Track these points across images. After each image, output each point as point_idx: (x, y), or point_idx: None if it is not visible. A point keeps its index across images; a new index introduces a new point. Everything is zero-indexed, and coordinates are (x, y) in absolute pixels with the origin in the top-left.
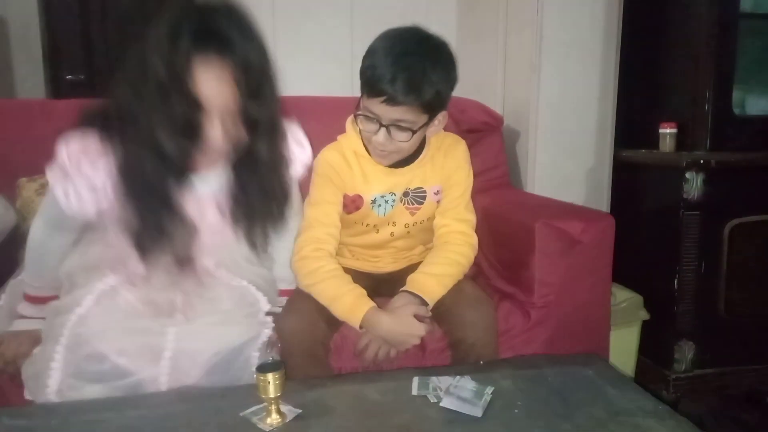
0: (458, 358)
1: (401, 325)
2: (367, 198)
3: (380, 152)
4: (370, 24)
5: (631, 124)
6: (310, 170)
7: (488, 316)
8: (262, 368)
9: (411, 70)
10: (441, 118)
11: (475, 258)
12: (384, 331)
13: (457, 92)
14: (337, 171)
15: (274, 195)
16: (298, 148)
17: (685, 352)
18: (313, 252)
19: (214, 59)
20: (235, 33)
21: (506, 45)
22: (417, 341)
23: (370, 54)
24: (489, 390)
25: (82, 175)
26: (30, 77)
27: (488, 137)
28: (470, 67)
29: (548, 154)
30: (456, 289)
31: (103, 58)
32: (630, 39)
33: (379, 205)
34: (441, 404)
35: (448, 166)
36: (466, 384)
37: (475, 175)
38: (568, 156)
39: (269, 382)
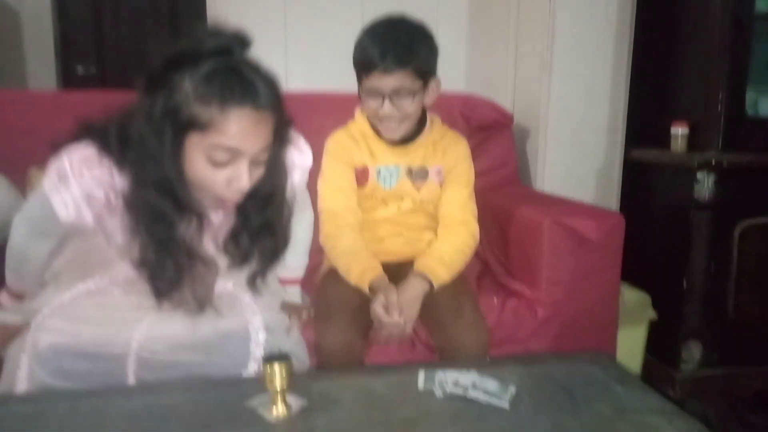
0: None
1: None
2: (373, 169)
3: (389, 126)
4: None
5: (643, 123)
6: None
7: (482, 342)
8: (269, 359)
9: (398, 41)
10: (434, 86)
11: (483, 255)
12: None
13: (468, 89)
14: (344, 147)
15: (275, 235)
16: (298, 154)
17: (693, 353)
18: (333, 228)
19: (248, 109)
20: (260, 82)
21: (517, 43)
22: (402, 322)
23: (359, 43)
24: (512, 388)
25: (83, 184)
26: (42, 69)
27: (498, 135)
28: (481, 65)
29: (558, 152)
30: (455, 310)
31: (115, 51)
32: (642, 38)
33: (384, 178)
34: (468, 396)
35: (449, 155)
36: (489, 381)
37: (484, 173)
38: (579, 154)
39: (276, 373)
